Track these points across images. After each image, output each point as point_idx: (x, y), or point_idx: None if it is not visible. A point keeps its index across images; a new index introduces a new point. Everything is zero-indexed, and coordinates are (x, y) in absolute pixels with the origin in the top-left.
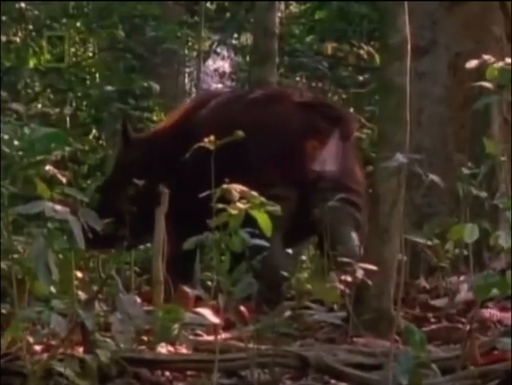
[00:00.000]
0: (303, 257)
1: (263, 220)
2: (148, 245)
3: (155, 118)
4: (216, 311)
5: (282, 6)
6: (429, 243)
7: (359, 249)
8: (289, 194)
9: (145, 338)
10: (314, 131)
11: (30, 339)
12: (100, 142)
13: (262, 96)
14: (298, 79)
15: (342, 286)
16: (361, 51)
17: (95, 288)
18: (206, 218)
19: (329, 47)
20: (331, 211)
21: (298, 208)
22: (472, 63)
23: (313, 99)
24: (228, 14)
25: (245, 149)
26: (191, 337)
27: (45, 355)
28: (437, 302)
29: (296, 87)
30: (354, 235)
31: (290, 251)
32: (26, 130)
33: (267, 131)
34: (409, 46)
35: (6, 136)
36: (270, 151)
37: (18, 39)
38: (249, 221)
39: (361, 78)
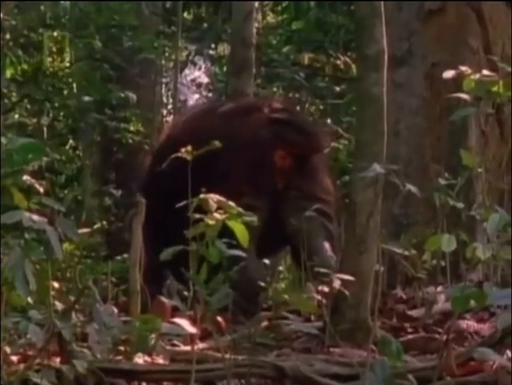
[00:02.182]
0: (280, 268)
1: (240, 230)
2: (125, 255)
3: (132, 128)
4: (193, 321)
5: (259, 16)
6: (406, 253)
7: (333, 260)
8: (260, 204)
9: (122, 348)
10: (282, 142)
11: (7, 349)
12: (77, 152)
13: (232, 108)
14: (275, 89)
15: (319, 296)
16: (338, 62)
17: (72, 298)
18: (183, 229)
19: (306, 58)
20: (306, 221)
21: (269, 219)
22: (449, 73)
23: (283, 112)
24: (205, 25)
25: (215, 160)
26: (168, 347)
27: (22, 366)
28: (414, 312)
29: (270, 97)
30: (327, 245)
31: (266, 261)
32: (3, 140)
33: (237, 143)
34: (386, 57)
35: None
36: (239, 161)
37: None
38: (224, 232)
39: (338, 88)
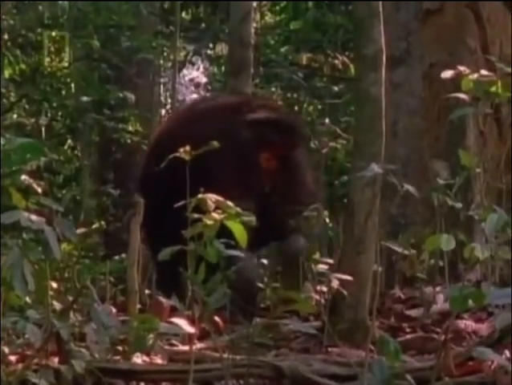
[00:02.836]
0: (279, 268)
1: (239, 230)
2: (124, 255)
3: (130, 128)
4: (191, 321)
5: (258, 16)
6: (405, 252)
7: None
8: (249, 206)
9: (120, 348)
10: (265, 145)
11: (5, 349)
12: (75, 152)
13: (215, 109)
14: (273, 89)
15: (317, 296)
16: (336, 62)
17: (70, 298)
18: (175, 228)
19: (304, 58)
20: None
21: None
22: (447, 73)
23: (261, 110)
24: (203, 25)
25: (202, 162)
26: (166, 347)
27: (20, 366)
28: (413, 312)
29: (250, 95)
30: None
31: (264, 261)
32: (2, 140)
33: (223, 146)
34: (384, 57)
35: None
36: (227, 164)
37: None
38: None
39: (336, 88)
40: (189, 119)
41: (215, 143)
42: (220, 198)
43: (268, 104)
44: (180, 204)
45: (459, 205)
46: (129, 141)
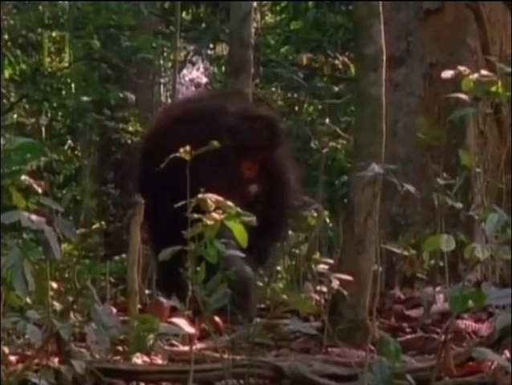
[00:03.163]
0: (278, 268)
1: (238, 230)
2: (124, 255)
3: (130, 128)
4: (191, 321)
5: (258, 16)
6: (406, 253)
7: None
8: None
9: (120, 348)
10: (244, 153)
11: (6, 349)
12: (76, 152)
13: (197, 114)
14: (273, 89)
15: (317, 296)
16: (336, 62)
17: (70, 298)
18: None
19: (304, 58)
20: None
21: None
22: (447, 73)
23: (238, 113)
24: (203, 25)
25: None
26: (166, 347)
27: (20, 366)
28: (413, 313)
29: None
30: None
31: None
32: (2, 140)
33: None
34: (384, 57)
35: None
36: (211, 176)
37: None
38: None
39: (337, 88)
40: (167, 127)
41: (215, 143)
42: (220, 198)
43: (243, 108)
44: (179, 204)
45: (459, 205)
46: (129, 141)
